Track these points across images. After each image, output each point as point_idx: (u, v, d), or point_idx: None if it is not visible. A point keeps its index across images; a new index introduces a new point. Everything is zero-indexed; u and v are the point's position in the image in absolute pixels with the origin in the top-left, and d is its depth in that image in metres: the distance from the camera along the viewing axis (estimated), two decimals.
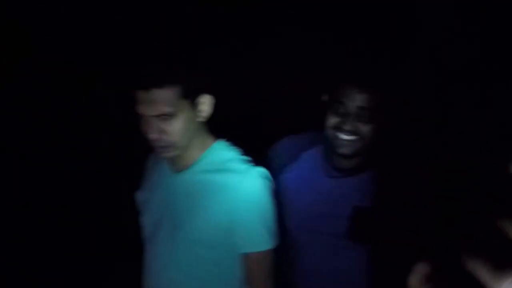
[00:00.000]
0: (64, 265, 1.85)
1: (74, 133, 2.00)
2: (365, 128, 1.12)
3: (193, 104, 1.10)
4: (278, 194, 1.25)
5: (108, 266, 1.81)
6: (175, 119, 1.06)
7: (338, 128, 1.13)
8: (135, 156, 1.33)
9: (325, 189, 1.23)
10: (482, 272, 0.28)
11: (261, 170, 1.14)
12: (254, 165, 1.14)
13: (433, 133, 1.57)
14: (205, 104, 1.12)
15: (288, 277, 1.29)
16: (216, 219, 1.11)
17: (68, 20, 1.81)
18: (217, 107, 1.14)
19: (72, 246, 1.94)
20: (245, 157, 1.17)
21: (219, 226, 1.11)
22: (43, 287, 1.83)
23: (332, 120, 1.14)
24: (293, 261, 1.28)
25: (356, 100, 1.12)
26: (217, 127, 1.20)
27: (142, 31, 1.80)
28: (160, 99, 1.04)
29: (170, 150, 1.10)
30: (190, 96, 1.08)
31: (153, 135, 1.06)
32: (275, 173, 1.26)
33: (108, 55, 1.79)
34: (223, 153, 1.17)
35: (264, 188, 1.12)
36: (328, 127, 1.15)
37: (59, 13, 1.81)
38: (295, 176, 1.28)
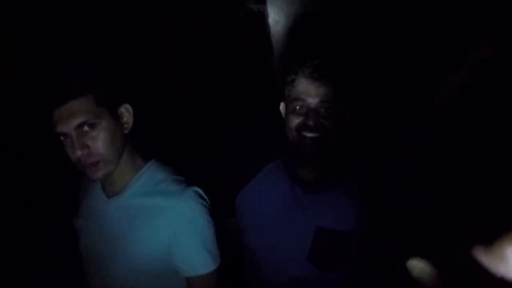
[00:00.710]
0: (64, 265, 1.85)
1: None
2: (328, 123, 1.11)
3: (113, 113, 1.06)
4: (240, 212, 1.23)
5: None
6: (98, 129, 1.02)
7: (302, 126, 1.11)
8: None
9: (289, 206, 1.18)
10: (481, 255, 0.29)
11: (196, 190, 1.10)
12: (187, 185, 1.10)
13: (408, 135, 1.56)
14: (126, 114, 1.09)
15: None
16: (154, 246, 1.07)
17: (64, 20, 1.81)
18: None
19: (72, 246, 1.94)
20: (178, 177, 1.13)
21: (158, 252, 1.07)
22: (43, 287, 1.83)
23: (295, 121, 1.12)
24: (261, 282, 1.23)
25: (316, 95, 1.11)
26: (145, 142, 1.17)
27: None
28: (77, 110, 1.00)
29: (101, 166, 1.05)
30: (108, 104, 1.05)
31: (78, 153, 1.01)
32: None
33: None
34: (156, 174, 1.14)
35: (200, 208, 1.09)
36: (291, 129, 1.13)
37: (54, 13, 1.81)
38: (256, 193, 1.23)
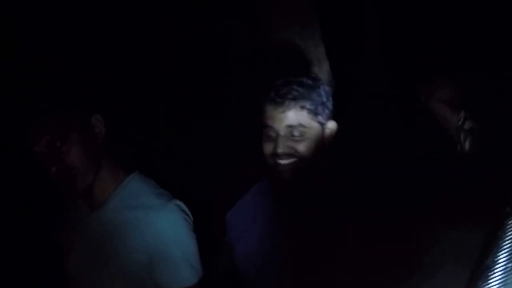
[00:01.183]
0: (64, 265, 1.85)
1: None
2: (300, 147, 1.05)
3: (84, 125, 1.06)
4: (229, 230, 1.21)
5: None
6: (69, 143, 1.02)
7: (273, 154, 1.06)
8: (139, 155, 1.32)
9: (276, 225, 1.15)
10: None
11: (178, 203, 1.10)
12: (169, 199, 1.10)
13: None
14: (97, 125, 1.09)
15: None
16: (136, 259, 1.07)
17: (64, 20, 1.81)
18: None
19: None
20: (160, 190, 1.13)
21: (140, 266, 1.07)
22: (43, 287, 1.83)
23: (268, 147, 1.07)
24: None
25: (281, 121, 1.04)
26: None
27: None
28: (46, 127, 1.00)
29: (78, 179, 1.04)
30: (77, 117, 1.05)
31: (53, 168, 1.01)
32: None
33: None
34: (138, 187, 1.13)
35: (182, 222, 1.09)
36: (265, 156, 1.08)
37: (54, 13, 1.81)
38: (244, 211, 1.21)
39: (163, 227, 1.07)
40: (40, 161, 1.04)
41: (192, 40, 1.86)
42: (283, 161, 1.06)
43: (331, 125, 1.12)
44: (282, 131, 1.05)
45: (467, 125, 1.20)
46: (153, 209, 1.08)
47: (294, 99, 1.05)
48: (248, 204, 1.22)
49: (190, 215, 1.13)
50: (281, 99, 1.04)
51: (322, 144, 1.10)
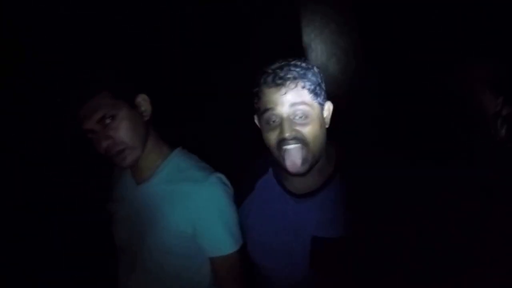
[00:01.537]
0: (64, 265, 1.85)
1: (74, 134, 2.00)
2: (305, 130, 1.04)
3: (131, 104, 1.13)
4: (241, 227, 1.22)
5: (108, 267, 1.81)
6: (117, 119, 1.09)
7: (280, 141, 1.04)
8: None
9: (282, 218, 1.15)
10: None
11: (219, 176, 1.16)
12: (211, 172, 1.16)
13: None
14: (143, 103, 1.16)
15: None
16: (180, 228, 1.13)
17: (64, 20, 1.81)
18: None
19: (72, 246, 1.94)
20: (202, 164, 1.20)
21: (184, 235, 1.13)
22: (43, 287, 1.83)
23: (272, 135, 1.05)
24: (264, 283, 1.23)
25: (284, 102, 1.04)
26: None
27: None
28: (96, 106, 1.07)
29: (127, 154, 1.12)
30: (124, 95, 1.11)
31: (104, 143, 1.09)
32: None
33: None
34: (182, 161, 1.20)
35: (223, 194, 1.15)
36: (271, 146, 1.06)
37: (54, 13, 1.81)
38: (253, 209, 1.22)
39: (206, 198, 1.13)
40: (93, 139, 1.10)
41: (192, 40, 1.87)
42: (291, 146, 1.04)
43: (328, 106, 1.12)
44: (286, 112, 1.03)
45: (504, 111, 1.16)
46: (196, 182, 1.13)
47: (295, 78, 1.05)
48: (257, 200, 1.22)
49: (230, 187, 1.19)
50: (281, 80, 1.04)
51: (324, 126, 1.10)
